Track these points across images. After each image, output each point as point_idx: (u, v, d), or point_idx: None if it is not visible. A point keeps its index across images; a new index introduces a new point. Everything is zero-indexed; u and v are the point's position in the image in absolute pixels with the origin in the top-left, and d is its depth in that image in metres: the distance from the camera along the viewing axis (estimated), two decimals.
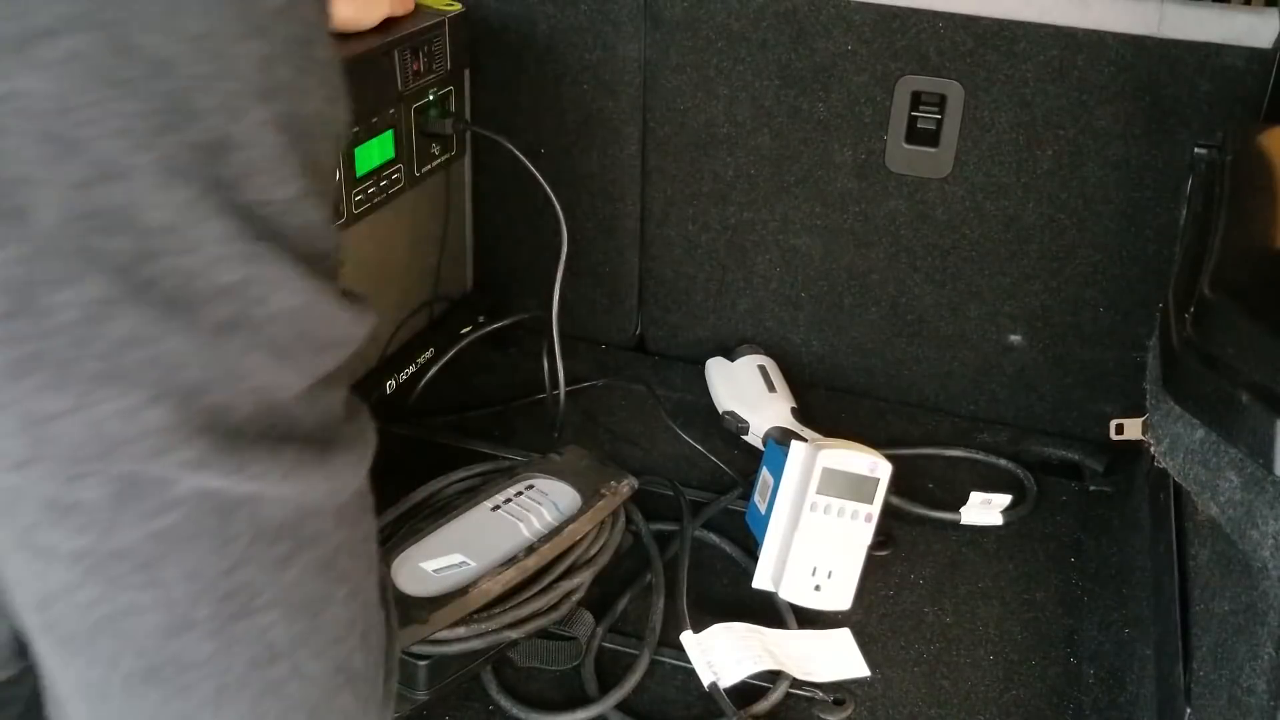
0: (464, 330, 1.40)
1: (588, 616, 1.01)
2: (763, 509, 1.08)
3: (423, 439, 1.26)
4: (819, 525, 1.01)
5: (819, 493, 1.01)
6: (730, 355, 1.37)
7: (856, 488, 1.01)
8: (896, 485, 1.19)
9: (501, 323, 1.41)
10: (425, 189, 1.31)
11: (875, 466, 1.01)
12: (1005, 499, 1.19)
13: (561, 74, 1.35)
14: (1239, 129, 0.98)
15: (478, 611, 0.94)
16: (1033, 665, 1.02)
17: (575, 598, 1.00)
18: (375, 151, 1.17)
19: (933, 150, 1.25)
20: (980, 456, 1.29)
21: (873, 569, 1.12)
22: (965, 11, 1.18)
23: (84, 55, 0.36)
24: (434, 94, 1.26)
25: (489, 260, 1.48)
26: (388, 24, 1.17)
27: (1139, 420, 1.05)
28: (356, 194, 1.16)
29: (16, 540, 0.40)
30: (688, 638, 0.98)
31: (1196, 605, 0.83)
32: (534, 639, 0.98)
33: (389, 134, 1.19)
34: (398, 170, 1.23)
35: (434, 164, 1.30)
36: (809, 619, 1.05)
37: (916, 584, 1.11)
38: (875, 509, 1.02)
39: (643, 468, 1.20)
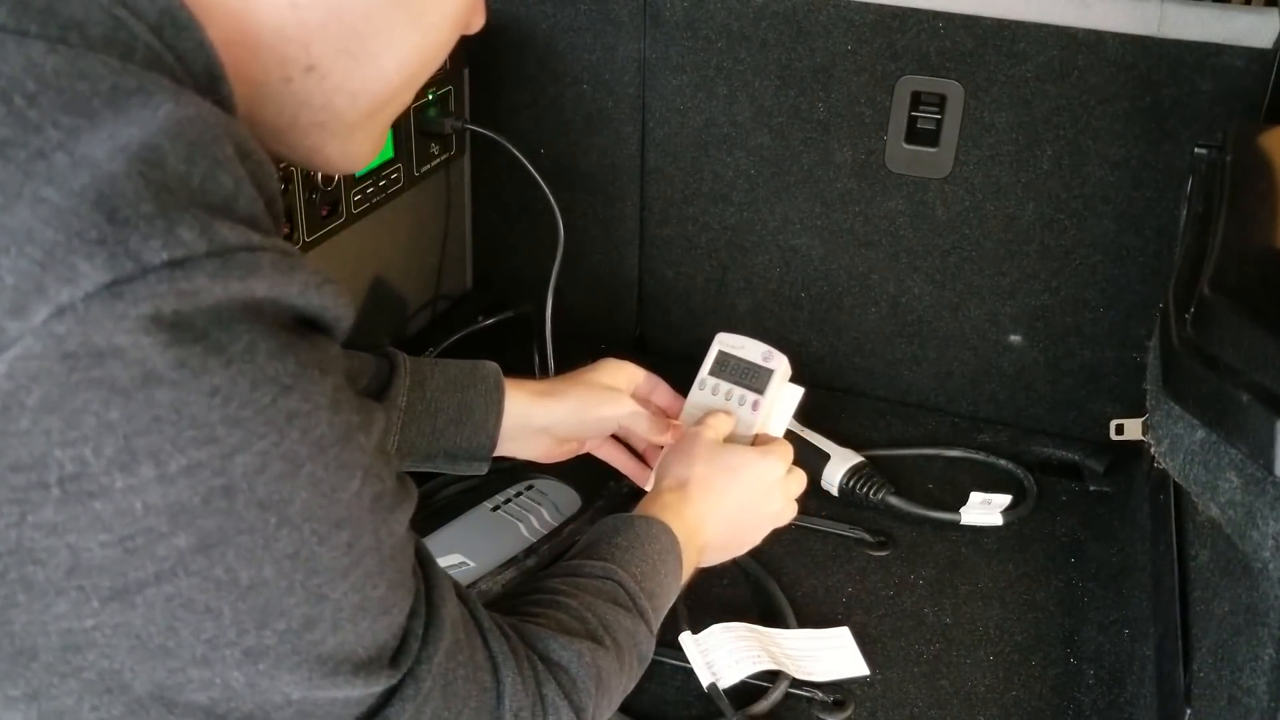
0: (463, 329, 1.40)
1: None
2: None
3: None
4: (704, 404, 0.98)
5: (710, 374, 0.99)
6: None
7: (748, 375, 0.99)
8: (897, 485, 1.20)
9: (491, 320, 1.38)
10: (425, 189, 1.31)
11: (770, 357, 0.99)
12: (1005, 499, 1.19)
13: (561, 74, 1.35)
14: (1239, 129, 0.98)
15: None
16: (1033, 665, 1.02)
17: None
18: None
19: (933, 150, 1.25)
20: (980, 456, 1.29)
21: (873, 569, 1.12)
22: (965, 11, 1.18)
23: None
24: (433, 94, 1.26)
25: (488, 260, 1.48)
26: None
27: (1139, 420, 1.05)
28: (355, 194, 1.16)
29: None
30: (686, 638, 0.98)
31: (1197, 606, 0.83)
32: None
33: (388, 134, 1.19)
34: (397, 170, 1.23)
35: (433, 164, 1.30)
36: (808, 619, 1.05)
37: (916, 584, 1.11)
38: (765, 399, 0.97)
39: None
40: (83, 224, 0.39)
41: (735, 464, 0.89)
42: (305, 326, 0.47)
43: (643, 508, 0.84)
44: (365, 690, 0.51)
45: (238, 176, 0.44)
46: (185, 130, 0.42)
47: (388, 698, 0.53)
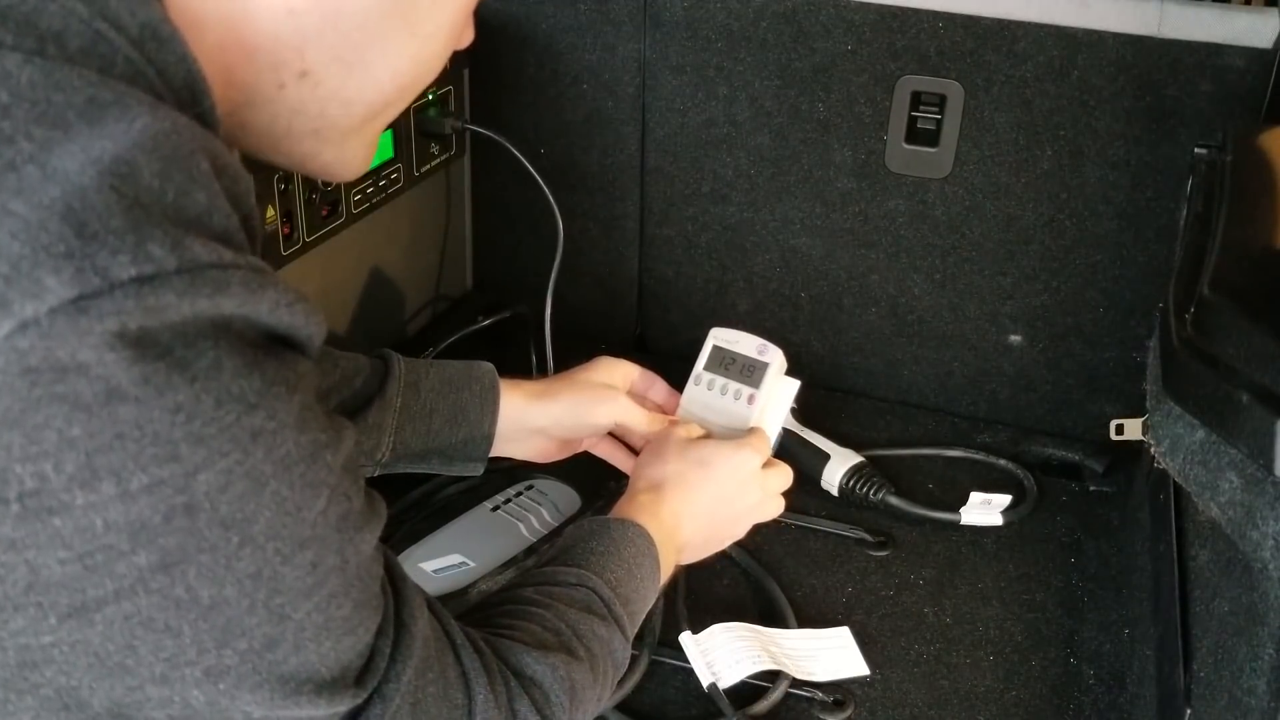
0: (463, 329, 1.40)
1: None
2: None
3: None
4: (700, 399, 0.98)
5: (706, 369, 0.99)
6: None
7: (744, 369, 0.98)
8: (897, 485, 1.20)
9: (491, 320, 1.38)
10: (425, 189, 1.31)
11: (765, 350, 0.98)
12: (1005, 499, 1.19)
13: (561, 74, 1.35)
14: (1239, 129, 0.98)
15: None
16: (1033, 665, 1.02)
17: None
18: None
19: (933, 150, 1.25)
20: (980, 456, 1.29)
21: (873, 569, 1.12)
22: (965, 11, 1.18)
23: None
24: (433, 93, 1.26)
25: (488, 260, 1.48)
26: None
27: (1139, 420, 1.05)
28: (355, 194, 1.16)
29: None
30: (686, 638, 0.98)
31: (1196, 606, 0.83)
32: None
33: (388, 133, 1.19)
34: (397, 170, 1.23)
35: (433, 164, 1.30)
36: (808, 619, 1.05)
37: (916, 584, 1.11)
38: (760, 393, 0.97)
39: None
40: (50, 238, 0.38)
41: (708, 458, 0.88)
42: (275, 343, 0.46)
43: (618, 511, 0.83)
44: (329, 710, 0.51)
45: (212, 192, 0.43)
46: (160, 144, 0.41)
47: (354, 717, 0.53)
